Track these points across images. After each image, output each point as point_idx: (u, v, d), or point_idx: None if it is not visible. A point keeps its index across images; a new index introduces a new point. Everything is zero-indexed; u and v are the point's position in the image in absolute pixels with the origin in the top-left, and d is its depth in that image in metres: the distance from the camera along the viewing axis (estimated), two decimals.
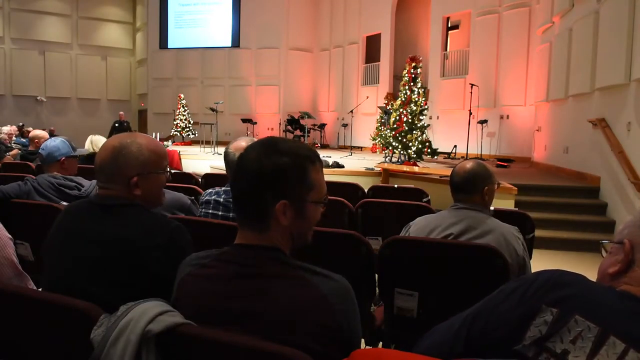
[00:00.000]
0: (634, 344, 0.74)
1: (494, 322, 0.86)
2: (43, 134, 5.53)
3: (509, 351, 0.81)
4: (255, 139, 1.25)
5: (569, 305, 0.80)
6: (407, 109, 8.55)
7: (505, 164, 9.11)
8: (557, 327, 0.78)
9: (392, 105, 10.12)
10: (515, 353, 0.80)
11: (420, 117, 8.61)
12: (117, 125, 13.73)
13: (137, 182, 1.33)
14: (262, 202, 0.98)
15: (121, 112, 14.75)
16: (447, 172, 7.21)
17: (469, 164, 1.99)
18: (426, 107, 8.87)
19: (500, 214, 2.40)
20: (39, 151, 2.60)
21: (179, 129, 15.12)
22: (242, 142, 2.12)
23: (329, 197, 3.01)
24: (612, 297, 0.83)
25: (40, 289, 1.47)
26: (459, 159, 10.34)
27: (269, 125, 16.13)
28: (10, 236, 1.55)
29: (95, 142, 4.59)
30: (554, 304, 0.81)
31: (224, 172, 2.76)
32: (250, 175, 0.99)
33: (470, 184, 1.94)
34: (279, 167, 0.98)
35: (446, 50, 12.57)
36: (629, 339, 0.75)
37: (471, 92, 9.98)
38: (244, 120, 14.94)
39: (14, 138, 8.39)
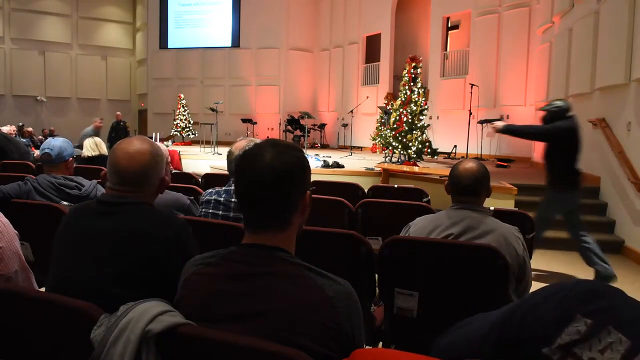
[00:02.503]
0: None
1: (531, 321, 0.85)
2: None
3: (536, 353, 0.80)
4: (258, 140, 1.26)
5: (603, 318, 0.78)
6: (407, 109, 8.55)
7: (505, 164, 9.11)
8: (588, 337, 0.77)
9: (392, 105, 10.12)
10: (541, 355, 0.80)
11: (420, 117, 8.61)
12: (115, 125, 13.75)
13: (167, 181, 1.44)
14: (290, 197, 1.01)
15: (118, 113, 14.77)
16: (447, 172, 7.18)
17: (471, 165, 1.96)
18: (426, 107, 8.87)
19: (500, 214, 2.41)
20: (47, 151, 2.53)
21: (179, 129, 15.13)
22: (245, 143, 2.14)
23: (329, 197, 3.01)
24: None
25: (42, 289, 1.47)
26: (458, 159, 10.34)
27: (269, 125, 16.13)
28: (16, 232, 1.56)
29: (99, 144, 4.66)
30: (589, 314, 0.80)
31: (224, 172, 2.75)
32: (275, 174, 0.98)
33: (479, 186, 1.92)
34: (300, 160, 1.02)
35: (446, 50, 12.57)
36: None
37: (471, 92, 9.98)
38: (244, 120, 14.95)
39: None
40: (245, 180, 1.01)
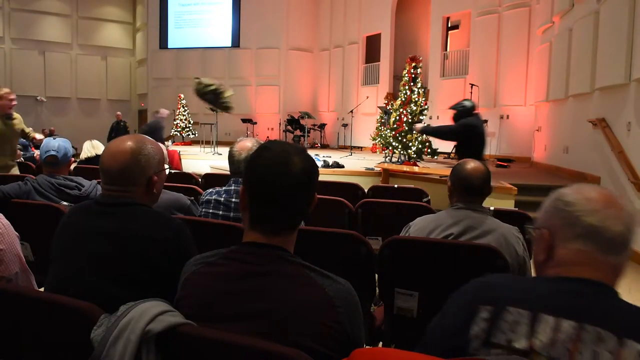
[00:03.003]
0: (563, 314, 0.82)
1: (449, 332, 0.93)
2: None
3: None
4: (261, 140, 1.27)
5: (500, 301, 0.88)
6: (407, 109, 8.55)
7: (505, 164, 9.11)
8: (494, 322, 0.86)
9: (392, 105, 10.12)
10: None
11: (420, 117, 8.61)
12: (115, 125, 13.76)
13: (156, 181, 1.39)
14: (309, 200, 1.04)
15: (118, 113, 14.77)
16: (447, 172, 7.20)
17: (477, 165, 1.95)
18: (426, 107, 8.87)
19: (500, 214, 2.41)
20: (52, 152, 2.46)
21: (179, 129, 15.13)
22: (249, 143, 2.13)
23: (329, 197, 3.01)
24: (539, 284, 0.92)
25: (42, 289, 1.47)
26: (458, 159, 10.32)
27: (269, 125, 16.13)
28: (16, 233, 1.56)
29: (96, 146, 4.70)
30: (488, 302, 0.89)
31: (224, 172, 2.74)
32: (306, 178, 1.01)
33: (486, 186, 1.93)
34: (315, 163, 1.06)
35: (446, 50, 12.57)
36: (557, 312, 0.83)
37: (471, 92, 9.98)
38: (244, 120, 14.94)
39: None
40: (278, 183, 0.99)
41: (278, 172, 0.99)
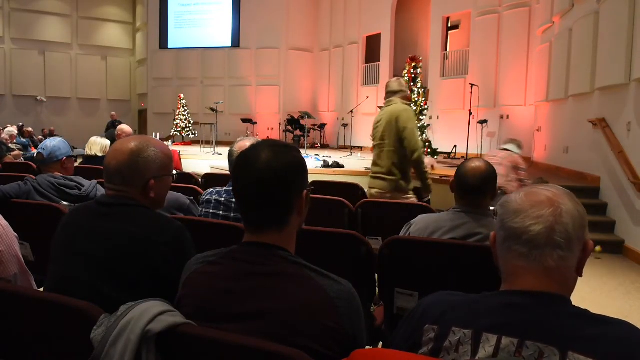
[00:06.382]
0: (505, 331, 0.82)
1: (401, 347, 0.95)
2: (128, 128, 5.18)
3: None
4: (259, 139, 1.26)
5: (446, 321, 0.89)
6: None
7: None
8: (440, 342, 0.88)
9: None
10: None
11: (420, 117, 8.62)
12: (110, 125, 13.76)
13: (153, 185, 1.36)
14: (288, 196, 1.01)
15: (113, 113, 14.74)
16: (447, 172, 7.22)
17: (478, 164, 1.90)
18: (426, 107, 8.88)
19: None
20: (39, 150, 2.57)
21: (179, 129, 15.13)
22: (248, 142, 2.13)
23: (329, 197, 3.01)
24: (484, 300, 0.91)
25: (42, 289, 1.47)
26: (458, 158, 10.33)
27: (269, 125, 16.13)
28: (15, 234, 1.56)
29: (104, 146, 4.63)
30: (434, 322, 0.90)
31: (224, 172, 2.74)
32: (273, 173, 0.98)
33: (485, 186, 1.87)
34: (297, 160, 1.03)
35: (446, 50, 12.57)
36: (499, 330, 0.83)
37: (471, 92, 9.98)
38: (244, 120, 14.95)
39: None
40: (243, 179, 1.01)
41: (245, 170, 1.00)
